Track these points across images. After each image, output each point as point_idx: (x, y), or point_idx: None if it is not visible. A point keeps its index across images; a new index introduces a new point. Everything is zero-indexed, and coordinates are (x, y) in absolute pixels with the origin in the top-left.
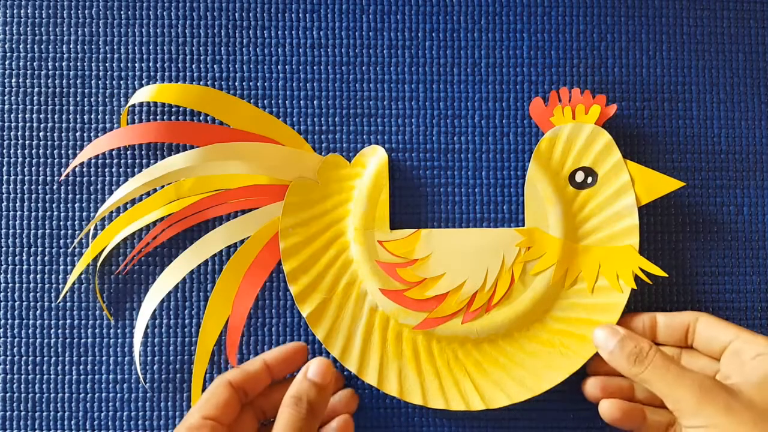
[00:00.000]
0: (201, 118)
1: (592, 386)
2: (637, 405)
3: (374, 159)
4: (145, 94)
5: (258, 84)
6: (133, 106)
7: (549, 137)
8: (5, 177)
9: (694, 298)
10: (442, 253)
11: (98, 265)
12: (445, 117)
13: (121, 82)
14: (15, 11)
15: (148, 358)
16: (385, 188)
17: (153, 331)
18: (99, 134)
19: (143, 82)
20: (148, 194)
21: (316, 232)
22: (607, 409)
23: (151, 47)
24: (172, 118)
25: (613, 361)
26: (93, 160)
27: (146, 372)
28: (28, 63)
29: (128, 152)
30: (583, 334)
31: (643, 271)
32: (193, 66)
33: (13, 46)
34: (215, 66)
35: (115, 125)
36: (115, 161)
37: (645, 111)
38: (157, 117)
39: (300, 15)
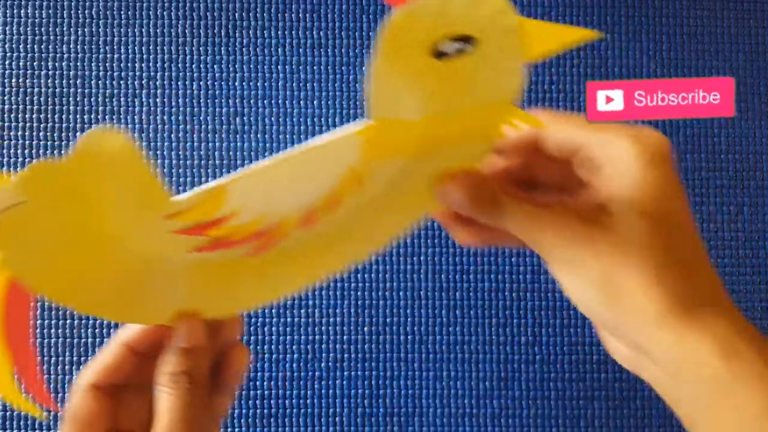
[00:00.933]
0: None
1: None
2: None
3: (100, 147)
4: None
5: (258, 84)
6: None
7: (404, 15)
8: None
9: None
10: (259, 198)
11: None
12: None
13: (121, 82)
14: (15, 11)
15: None
16: (133, 169)
17: None
18: None
19: (143, 82)
20: None
21: (63, 255)
22: (460, 236)
23: (151, 47)
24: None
25: (465, 211)
26: None
27: None
28: (28, 63)
29: None
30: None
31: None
32: (193, 66)
33: (13, 46)
34: (215, 66)
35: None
36: None
37: None
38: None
39: (300, 15)
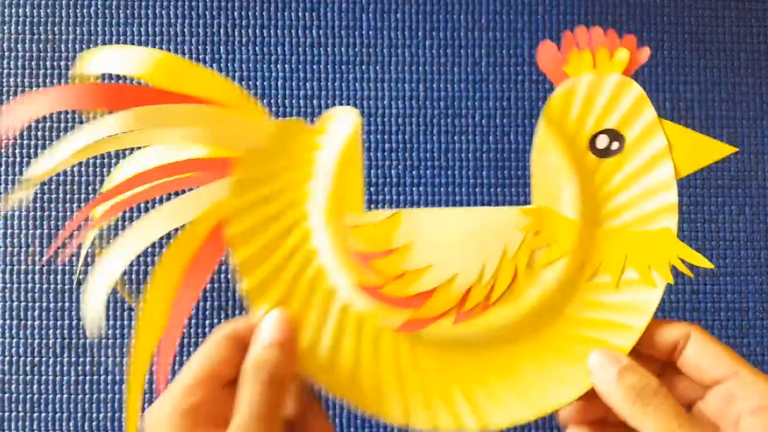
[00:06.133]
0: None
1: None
2: None
3: (341, 124)
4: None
5: (258, 83)
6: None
7: (562, 92)
8: (5, 177)
9: (694, 298)
10: (427, 240)
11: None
12: (445, 116)
13: (120, 81)
14: (13, 10)
15: None
16: (357, 159)
17: None
18: None
19: (141, 81)
20: None
21: (272, 216)
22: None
23: (149, 46)
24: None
25: (607, 393)
26: (92, 160)
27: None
28: (27, 62)
29: (128, 152)
30: (606, 341)
31: (683, 261)
32: None
33: (11, 45)
34: (214, 65)
35: None
36: (113, 161)
37: None
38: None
39: (300, 14)
